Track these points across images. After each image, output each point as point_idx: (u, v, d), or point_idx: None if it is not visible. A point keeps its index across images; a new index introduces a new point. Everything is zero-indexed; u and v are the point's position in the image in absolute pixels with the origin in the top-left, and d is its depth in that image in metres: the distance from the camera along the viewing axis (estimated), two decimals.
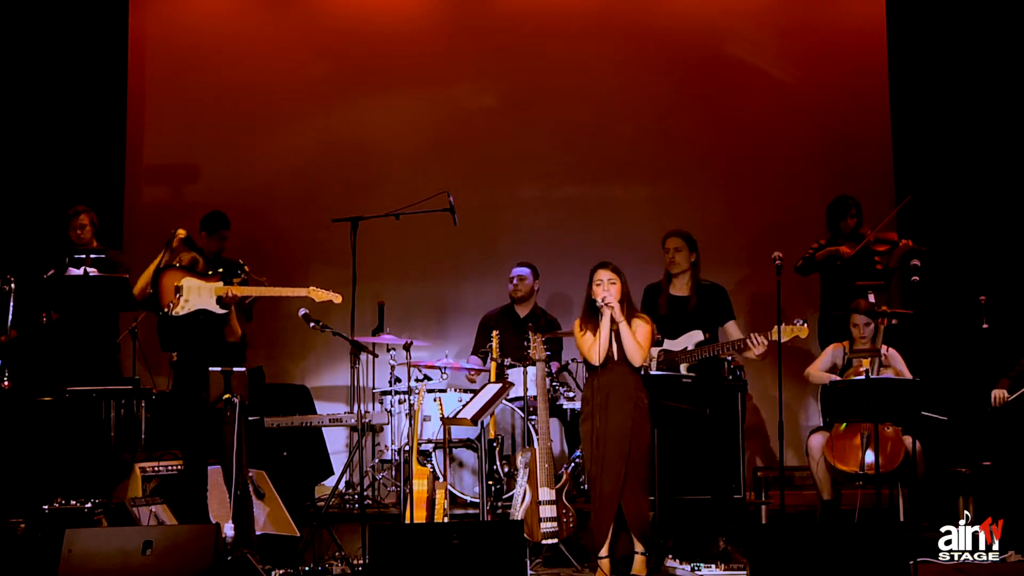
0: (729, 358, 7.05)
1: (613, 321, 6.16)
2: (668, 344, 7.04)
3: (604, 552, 6.15)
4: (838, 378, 6.91)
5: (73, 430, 6.88)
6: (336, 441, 8.43)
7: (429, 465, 6.86)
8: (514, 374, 7.29)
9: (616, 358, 6.19)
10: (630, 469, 6.10)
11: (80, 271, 7.19)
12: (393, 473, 7.65)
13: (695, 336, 7.02)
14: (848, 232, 7.82)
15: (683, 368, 6.95)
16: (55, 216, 7.99)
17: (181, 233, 7.21)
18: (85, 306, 7.27)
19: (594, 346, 6.19)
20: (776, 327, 6.64)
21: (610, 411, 6.13)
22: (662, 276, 7.27)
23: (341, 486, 7.49)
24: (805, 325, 6.65)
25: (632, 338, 6.17)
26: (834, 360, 7.10)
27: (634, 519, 6.12)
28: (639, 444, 6.14)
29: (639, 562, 6.15)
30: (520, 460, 6.55)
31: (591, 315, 6.25)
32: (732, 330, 7.14)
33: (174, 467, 6.89)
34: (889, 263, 7.76)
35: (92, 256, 7.37)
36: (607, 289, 6.17)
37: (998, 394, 7.10)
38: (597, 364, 6.19)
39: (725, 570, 6.33)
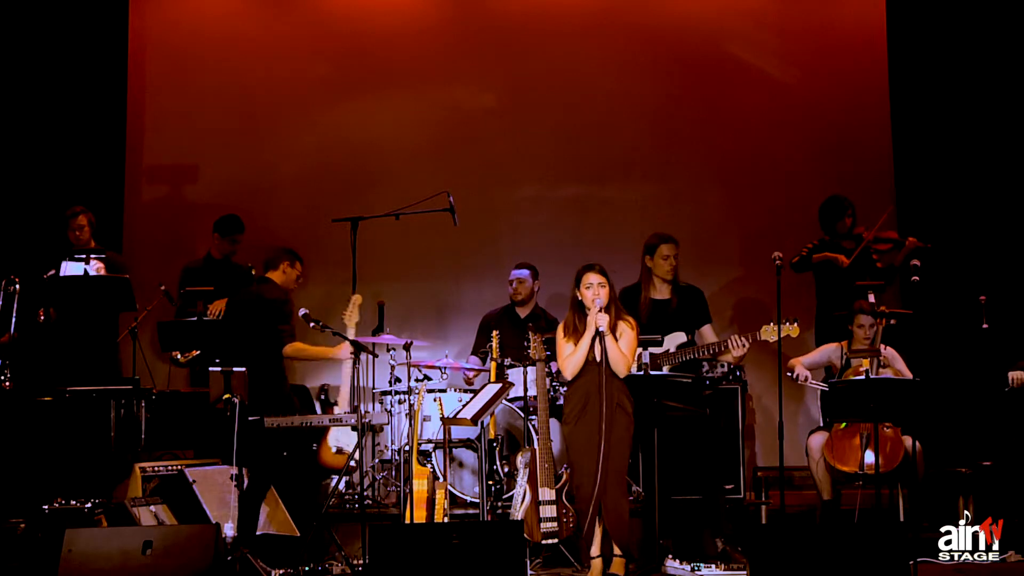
0: (714, 360, 7.02)
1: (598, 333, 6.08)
2: (650, 347, 7.00)
3: (595, 552, 6.13)
4: (812, 379, 6.90)
5: (73, 430, 6.88)
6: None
7: (429, 465, 6.86)
8: (514, 374, 7.29)
9: (597, 360, 6.11)
10: (610, 472, 6.03)
11: (81, 270, 7.19)
12: (393, 473, 7.65)
13: (678, 338, 6.97)
14: (844, 232, 7.81)
15: (665, 370, 6.92)
16: (56, 216, 7.99)
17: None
18: (86, 306, 7.28)
19: (570, 360, 6.14)
20: (765, 327, 6.65)
21: (590, 414, 6.08)
22: (640, 278, 7.15)
23: (341, 486, 7.49)
24: (796, 324, 6.64)
25: (616, 349, 6.08)
26: (831, 359, 7.09)
27: (612, 523, 6.07)
28: (620, 447, 6.08)
29: (617, 563, 6.11)
30: (520, 460, 6.55)
31: (577, 321, 6.17)
32: (708, 334, 7.04)
33: (174, 467, 6.89)
34: (894, 262, 7.77)
35: (93, 256, 7.37)
36: (597, 292, 6.09)
37: (1016, 376, 6.94)
38: (568, 379, 6.16)
39: (725, 570, 6.32)
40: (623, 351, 6.10)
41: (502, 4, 9.17)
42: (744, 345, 6.70)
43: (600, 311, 6.07)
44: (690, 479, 6.86)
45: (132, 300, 7.43)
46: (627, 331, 6.17)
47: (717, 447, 6.97)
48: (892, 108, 8.81)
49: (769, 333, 6.63)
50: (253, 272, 7.89)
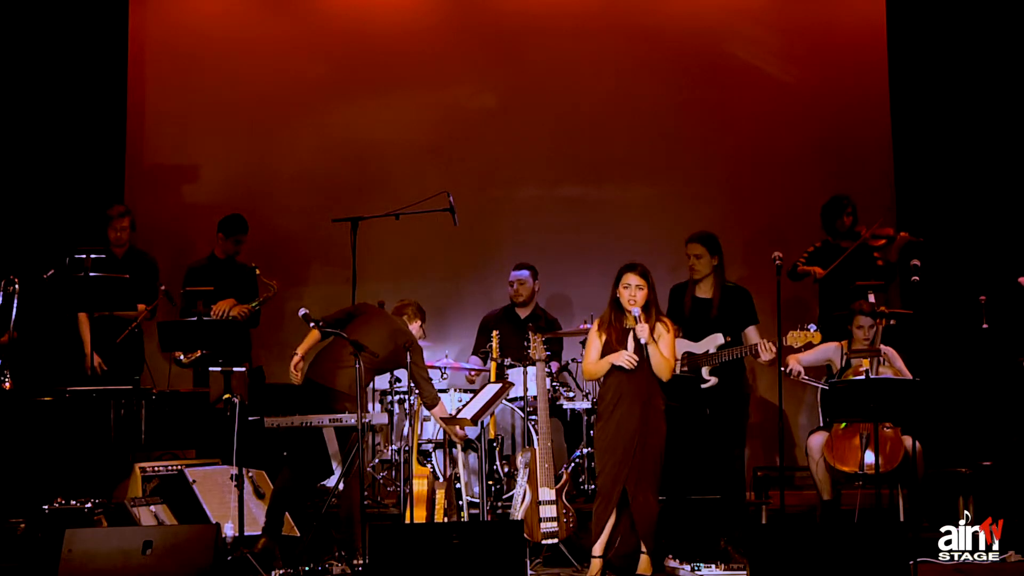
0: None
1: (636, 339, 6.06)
2: (690, 347, 6.99)
3: (598, 551, 6.12)
4: (808, 376, 6.89)
5: (73, 430, 6.88)
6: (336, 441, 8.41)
7: (429, 465, 6.86)
8: (514, 374, 7.29)
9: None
10: (640, 469, 6.03)
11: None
12: (393, 473, 7.65)
13: (716, 339, 6.96)
14: (844, 231, 7.82)
15: (705, 371, 6.92)
16: (55, 216, 7.98)
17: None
18: (91, 305, 7.31)
19: (593, 366, 6.14)
20: (792, 332, 6.64)
21: (623, 411, 6.06)
22: (688, 276, 7.20)
23: (341, 486, 7.48)
24: (817, 331, 6.64)
25: (659, 356, 6.06)
26: (830, 359, 7.08)
27: (642, 520, 6.06)
28: (651, 444, 6.06)
29: (644, 562, 6.11)
30: (520, 460, 6.55)
31: (615, 318, 6.16)
32: (752, 335, 7.04)
33: (174, 467, 6.90)
34: (889, 257, 7.78)
35: (92, 256, 7.37)
36: (634, 294, 6.06)
37: None
38: (586, 379, 6.15)
39: (725, 570, 6.32)
40: (665, 355, 6.09)
41: (502, 4, 9.17)
42: (772, 349, 6.72)
43: (639, 322, 6.04)
44: (699, 478, 6.87)
45: (132, 300, 7.45)
46: (664, 334, 6.14)
47: (726, 448, 6.97)
48: (892, 108, 8.81)
49: (794, 338, 6.65)
50: (258, 272, 7.88)
